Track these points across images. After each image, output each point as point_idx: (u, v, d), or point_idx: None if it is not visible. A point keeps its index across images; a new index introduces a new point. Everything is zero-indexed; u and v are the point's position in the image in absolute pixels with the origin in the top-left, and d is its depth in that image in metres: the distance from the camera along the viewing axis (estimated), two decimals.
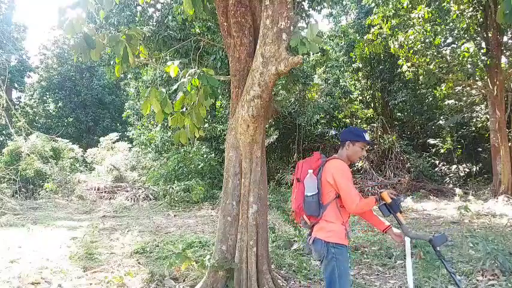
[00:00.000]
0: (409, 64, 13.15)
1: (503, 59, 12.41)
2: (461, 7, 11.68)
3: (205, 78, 3.72)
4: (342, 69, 18.10)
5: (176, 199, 11.98)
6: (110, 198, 13.32)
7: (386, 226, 2.73)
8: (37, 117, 26.64)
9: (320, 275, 4.69)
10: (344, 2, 18.57)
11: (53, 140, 15.93)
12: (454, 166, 15.41)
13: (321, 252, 2.57)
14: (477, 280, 4.30)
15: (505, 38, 12.53)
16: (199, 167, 13.55)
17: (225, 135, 13.24)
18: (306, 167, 2.68)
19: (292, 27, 3.21)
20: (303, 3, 10.74)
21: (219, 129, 14.96)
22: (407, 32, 12.08)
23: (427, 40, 11.92)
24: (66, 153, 16.85)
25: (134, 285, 4.45)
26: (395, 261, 5.16)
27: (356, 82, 19.25)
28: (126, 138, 21.26)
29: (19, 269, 4.89)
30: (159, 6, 11.14)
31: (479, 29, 12.02)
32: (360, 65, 17.62)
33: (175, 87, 3.87)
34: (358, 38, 16.04)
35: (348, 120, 17.89)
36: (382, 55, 16.65)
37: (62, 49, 26.75)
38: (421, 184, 13.79)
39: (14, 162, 13.99)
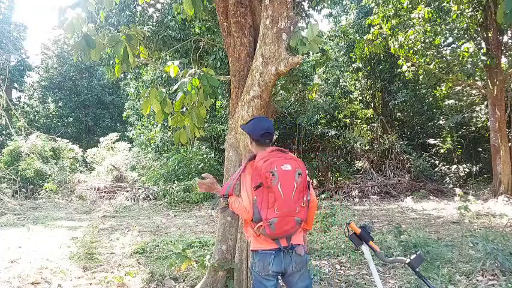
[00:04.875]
0: (409, 64, 13.16)
1: (503, 59, 12.41)
2: (461, 7, 11.68)
3: (205, 78, 3.72)
4: (342, 69, 18.11)
5: (176, 199, 11.99)
6: (110, 198, 13.32)
7: None
8: (37, 117, 26.64)
9: (320, 274, 4.69)
10: (344, 2, 18.58)
11: (53, 140, 15.93)
12: (454, 166, 15.43)
13: (305, 260, 2.40)
14: (477, 280, 4.29)
15: (505, 38, 12.53)
16: (199, 167, 13.55)
17: (225, 135, 13.25)
18: (302, 167, 2.35)
19: (292, 27, 3.21)
20: (303, 3, 10.76)
21: (219, 129, 14.97)
22: (407, 32, 12.08)
23: (427, 40, 11.92)
24: (66, 153, 16.85)
25: (134, 285, 4.45)
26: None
27: (356, 82, 19.26)
28: (126, 138, 21.29)
29: (19, 269, 4.89)
30: (159, 6, 11.15)
31: (479, 29, 12.02)
32: (360, 65, 17.62)
33: (175, 87, 3.87)
34: (358, 38, 16.04)
35: (348, 120, 17.90)
36: (382, 55, 16.65)
37: (62, 49, 26.77)
38: (421, 184, 13.80)
39: (14, 162, 13.99)
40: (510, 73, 12.21)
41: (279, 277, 2.44)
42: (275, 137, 15.46)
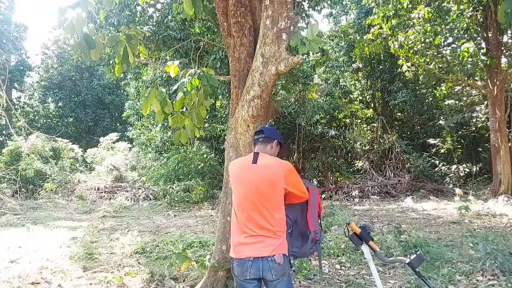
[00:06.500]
0: (409, 64, 13.15)
1: (503, 59, 12.41)
2: (461, 7, 11.68)
3: (205, 78, 3.71)
4: (342, 69, 18.09)
5: (176, 199, 11.99)
6: (110, 198, 13.32)
7: None
8: (37, 117, 26.64)
9: (320, 274, 4.69)
10: (344, 2, 18.57)
11: (53, 140, 15.92)
12: (454, 166, 15.40)
13: (286, 268, 2.36)
14: (477, 280, 4.30)
15: (505, 38, 12.53)
16: (199, 167, 13.55)
17: (225, 135, 13.24)
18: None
19: (292, 27, 3.21)
20: (303, 3, 10.76)
21: (219, 129, 14.97)
22: (407, 32, 12.08)
23: (427, 40, 11.92)
24: (66, 153, 16.84)
25: (134, 285, 4.45)
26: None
27: (356, 82, 19.25)
28: (126, 138, 21.27)
29: (19, 269, 4.89)
30: (159, 6, 11.14)
31: (479, 29, 12.02)
32: (360, 65, 17.61)
33: (175, 87, 3.87)
34: (358, 38, 16.03)
35: (348, 120, 17.90)
36: (382, 55, 16.64)
37: (62, 49, 26.76)
38: (421, 184, 13.79)
39: (14, 162, 13.98)
40: (510, 73, 12.21)
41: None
42: None
